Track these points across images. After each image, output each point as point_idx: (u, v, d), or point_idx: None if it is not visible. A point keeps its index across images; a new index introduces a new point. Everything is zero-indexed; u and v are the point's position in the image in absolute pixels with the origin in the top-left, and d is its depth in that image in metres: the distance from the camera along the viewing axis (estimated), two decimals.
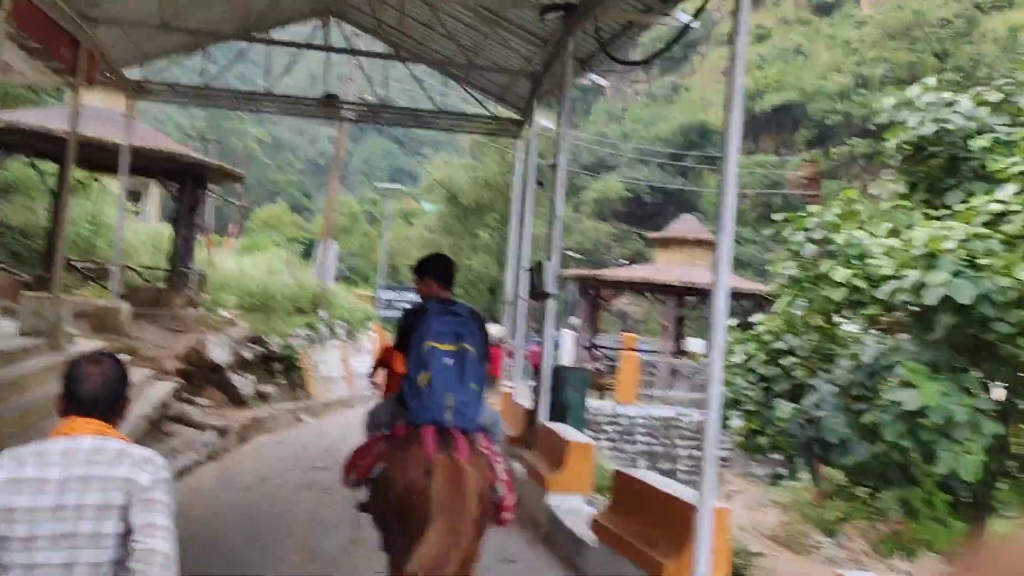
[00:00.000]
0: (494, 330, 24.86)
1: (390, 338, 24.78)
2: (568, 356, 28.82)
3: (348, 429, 15.23)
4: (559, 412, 9.63)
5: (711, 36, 73.72)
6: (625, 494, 6.29)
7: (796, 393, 11.57)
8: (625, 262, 43.04)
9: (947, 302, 8.71)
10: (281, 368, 16.27)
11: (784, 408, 10.01)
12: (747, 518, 17.67)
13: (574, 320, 45.39)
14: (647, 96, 77.44)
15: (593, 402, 19.43)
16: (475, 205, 34.59)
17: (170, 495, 2.40)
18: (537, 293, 9.27)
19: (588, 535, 6.55)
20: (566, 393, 9.75)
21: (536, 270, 9.35)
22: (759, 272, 43.45)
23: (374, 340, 23.35)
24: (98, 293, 15.87)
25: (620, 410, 19.23)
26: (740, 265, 44.82)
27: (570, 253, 41.13)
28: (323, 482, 9.89)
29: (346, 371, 20.06)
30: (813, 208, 11.52)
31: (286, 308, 19.07)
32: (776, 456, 13.16)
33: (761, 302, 22.53)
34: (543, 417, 9.33)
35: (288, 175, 79.78)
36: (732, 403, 12.47)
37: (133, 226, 22.91)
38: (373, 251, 45.13)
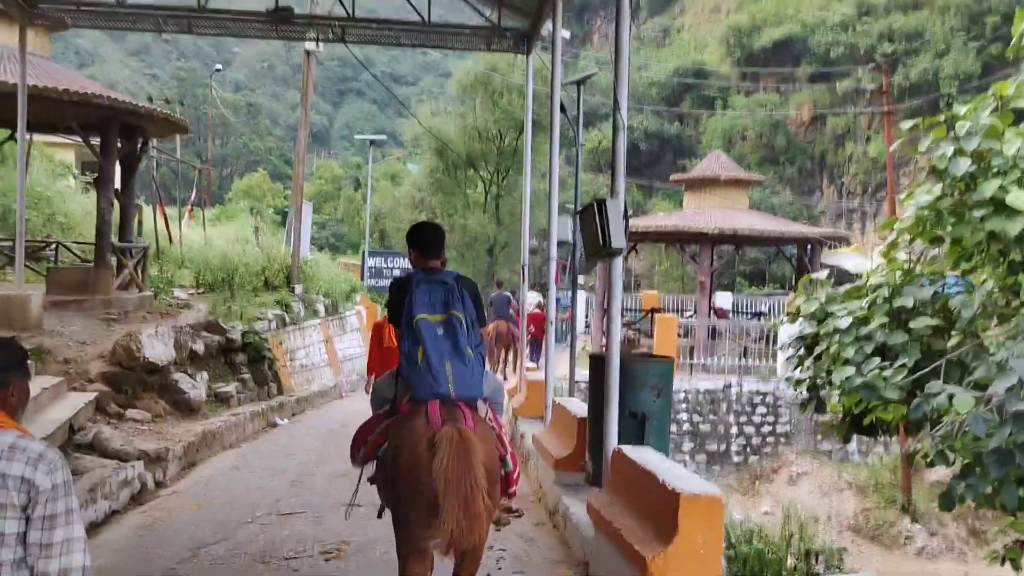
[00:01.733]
0: (531, 297, 21.38)
1: (380, 311, 21.39)
2: (581, 321, 25.52)
3: (334, 432, 11.98)
4: (632, 427, 6.37)
5: None
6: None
7: (939, 368, 8.36)
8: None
9: None
10: (245, 360, 12.98)
11: (964, 400, 6.72)
12: (822, 505, 14.62)
13: (581, 279, 42.15)
14: (636, 40, 73.50)
15: None
16: (466, 158, 31.04)
17: (71, 494, 2.38)
18: (597, 249, 5.95)
19: None
20: (640, 396, 6.46)
21: (591, 214, 6.00)
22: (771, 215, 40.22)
23: (361, 314, 20.05)
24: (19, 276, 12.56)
25: None
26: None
27: (569, 206, 37.78)
28: (299, 535, 6.69)
29: (330, 355, 16.77)
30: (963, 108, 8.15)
31: (253, 284, 15.72)
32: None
33: (810, 247, 19.28)
34: (611, 436, 6.08)
35: (267, 142, 75.89)
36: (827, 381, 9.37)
37: (79, 198, 19.51)
38: (359, 217, 41.55)
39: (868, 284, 9.64)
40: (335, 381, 16.36)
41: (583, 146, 12.25)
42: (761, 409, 15.91)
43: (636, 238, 20.79)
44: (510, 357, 17.19)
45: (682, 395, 16.02)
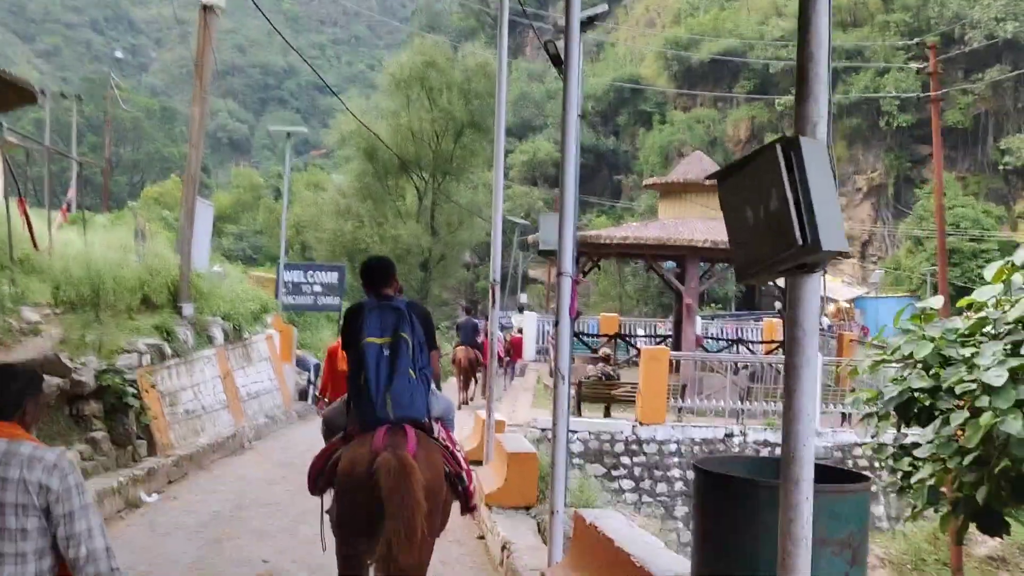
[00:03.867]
0: (515, 319, 20.84)
1: (295, 335, 17.47)
2: (532, 346, 22.13)
3: (221, 519, 8.25)
4: None
5: None
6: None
7: None
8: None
9: None
10: (100, 410, 9.11)
11: None
12: None
13: (523, 298, 38.68)
14: None
15: (599, 421, 12.84)
16: (399, 162, 27.29)
17: (83, 493, 2.74)
18: (781, 251, 2.51)
19: None
20: (820, 567, 3.01)
21: (765, 174, 2.55)
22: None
23: (273, 340, 16.20)
24: None
25: (645, 433, 12.66)
26: None
27: (512, 218, 34.41)
28: None
29: (228, 394, 12.92)
30: None
31: (127, 303, 11.79)
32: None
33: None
34: None
35: (183, 148, 70.54)
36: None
37: None
38: (280, 228, 37.29)
39: (1002, 317, 6.46)
40: (235, 428, 12.52)
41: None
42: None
43: (602, 253, 17.47)
44: (471, 384, 16.97)
45: (673, 446, 12.68)
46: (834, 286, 41.68)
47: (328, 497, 4.31)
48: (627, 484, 12.54)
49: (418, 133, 27.69)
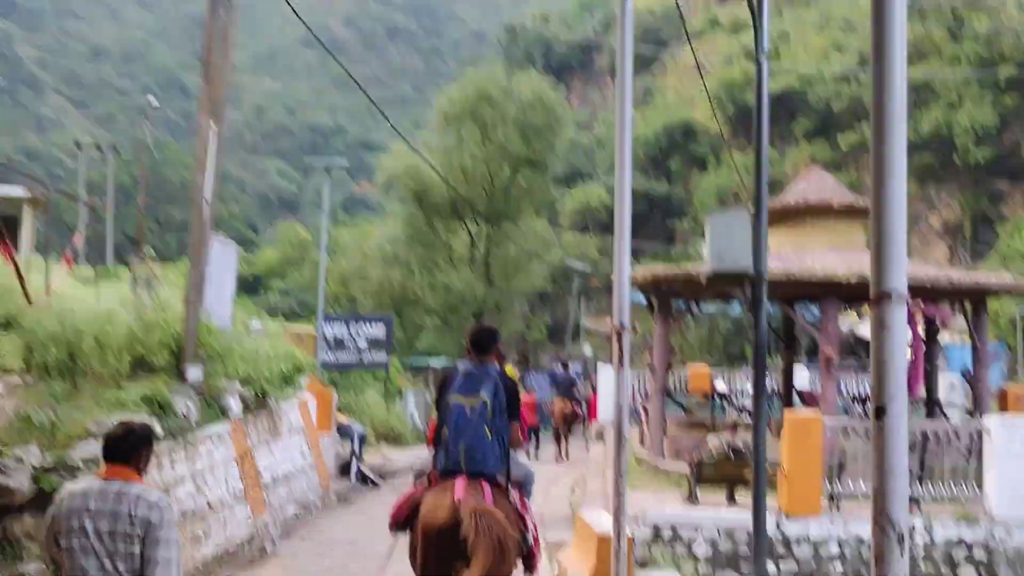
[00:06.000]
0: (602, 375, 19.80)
1: (333, 399, 14.61)
2: (609, 409, 18.79)
3: None
4: None
5: (681, 34, 65.26)
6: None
7: None
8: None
9: None
10: (37, 529, 6.05)
11: None
12: None
13: (587, 349, 35.25)
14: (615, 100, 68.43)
15: (732, 515, 9.50)
16: (450, 204, 24.38)
17: (173, 527, 3.39)
18: None
19: None
20: None
21: None
22: None
23: (308, 407, 13.11)
24: None
25: (793, 529, 9.27)
26: None
27: (572, 264, 31.29)
28: None
29: (247, 480, 9.82)
30: None
31: (113, 367, 8.84)
32: None
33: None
34: None
35: (230, 207, 69.28)
36: None
37: None
38: (328, 283, 34.47)
39: None
40: (253, 528, 9.40)
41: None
42: (967, 571, 9.20)
43: (697, 292, 14.20)
44: (568, 436, 17.13)
45: (835, 547, 9.25)
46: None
47: (405, 536, 4.56)
48: None
49: (470, 172, 24.85)
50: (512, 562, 4.35)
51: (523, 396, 18.10)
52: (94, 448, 6.96)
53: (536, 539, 4.57)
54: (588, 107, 68.66)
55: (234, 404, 10.24)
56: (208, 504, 8.61)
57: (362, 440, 15.26)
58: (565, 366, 19.42)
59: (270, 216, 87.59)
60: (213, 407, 9.66)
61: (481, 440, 4.31)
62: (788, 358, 14.99)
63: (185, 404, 8.83)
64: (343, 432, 15.47)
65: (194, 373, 9.51)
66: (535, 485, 5.05)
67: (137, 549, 3.23)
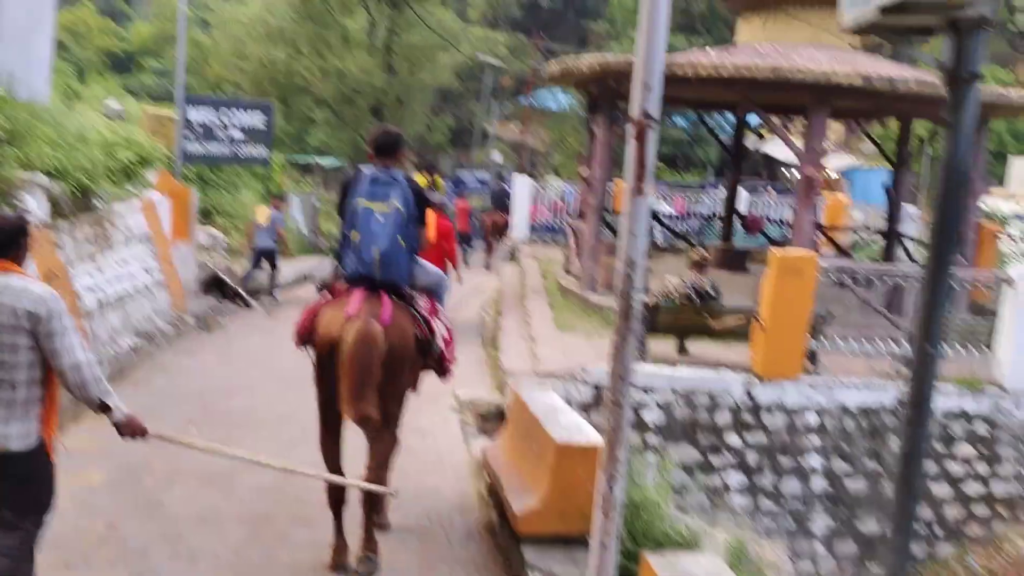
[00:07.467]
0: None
1: (192, 200, 11.69)
2: (524, 221, 16.50)
3: None
4: None
5: None
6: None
7: None
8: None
9: None
10: None
11: None
12: None
13: (496, 155, 32.40)
14: None
15: (692, 375, 7.46)
16: None
17: (65, 316, 3.14)
18: None
19: None
20: None
21: None
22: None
23: (155, 208, 10.18)
24: None
25: (766, 395, 7.36)
26: None
27: (488, 59, 27.90)
28: None
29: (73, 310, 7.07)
30: None
31: None
32: None
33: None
34: None
35: None
36: None
37: None
38: (207, 64, 29.78)
39: None
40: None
41: None
42: (964, 448, 7.59)
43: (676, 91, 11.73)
44: (496, 247, 16.97)
45: (812, 417, 7.43)
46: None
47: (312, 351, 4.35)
48: (736, 479, 7.33)
49: None
50: (412, 372, 4.36)
51: (457, 203, 16.67)
52: None
53: (449, 341, 4.51)
54: None
55: (35, 204, 7.35)
56: None
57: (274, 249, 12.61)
58: (501, 178, 18.94)
59: None
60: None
61: (395, 247, 4.17)
62: (734, 178, 12.83)
63: None
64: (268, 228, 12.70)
65: None
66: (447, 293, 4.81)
67: (22, 341, 3.10)
